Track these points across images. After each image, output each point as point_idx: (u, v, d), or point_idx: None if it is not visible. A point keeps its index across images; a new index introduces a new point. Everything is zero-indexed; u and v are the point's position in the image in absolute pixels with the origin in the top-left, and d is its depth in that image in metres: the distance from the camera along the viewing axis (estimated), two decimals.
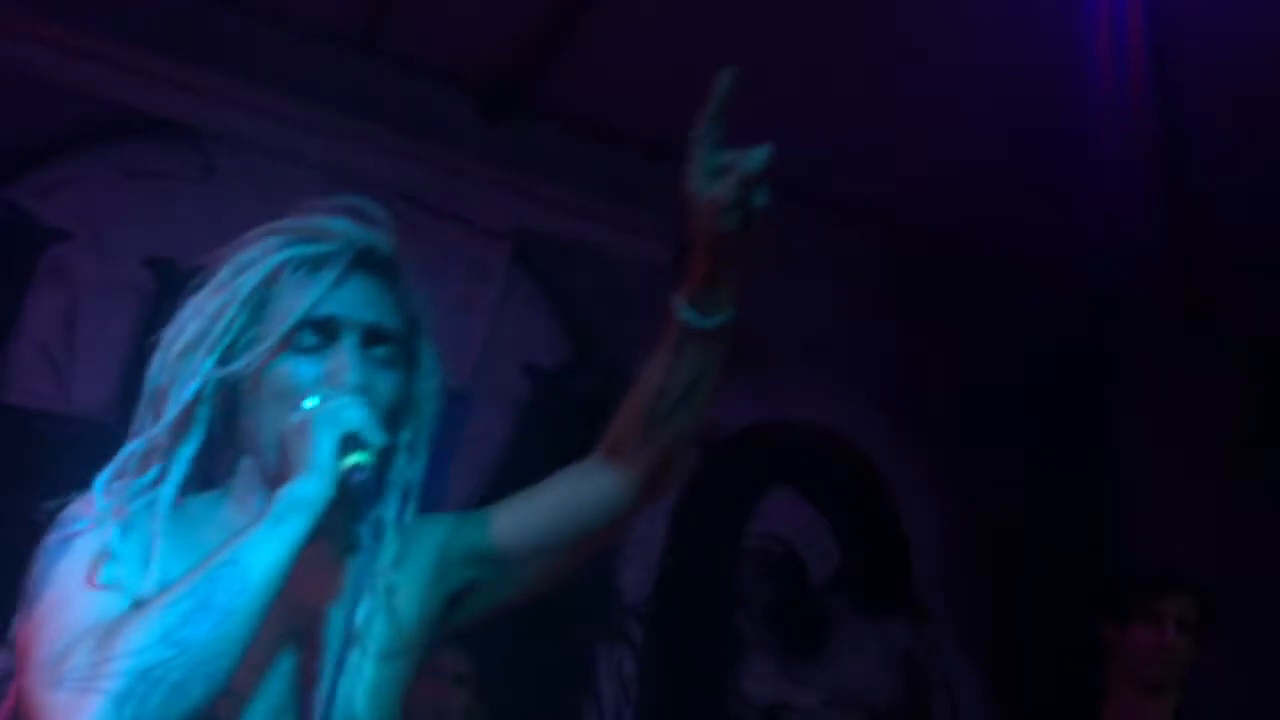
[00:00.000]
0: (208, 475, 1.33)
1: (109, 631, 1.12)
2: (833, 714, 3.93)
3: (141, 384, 1.37)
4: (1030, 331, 4.28)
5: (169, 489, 1.27)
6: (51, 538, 1.25)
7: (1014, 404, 4.28)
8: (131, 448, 1.31)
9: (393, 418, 1.34)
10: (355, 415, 1.25)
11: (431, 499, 3.96)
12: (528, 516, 1.40)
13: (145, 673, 1.09)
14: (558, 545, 1.39)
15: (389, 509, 1.35)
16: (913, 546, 4.21)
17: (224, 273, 1.34)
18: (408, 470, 1.38)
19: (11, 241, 3.40)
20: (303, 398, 1.26)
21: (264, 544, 1.16)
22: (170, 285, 3.54)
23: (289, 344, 1.30)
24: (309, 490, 1.19)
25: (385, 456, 1.31)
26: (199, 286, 1.36)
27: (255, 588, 1.13)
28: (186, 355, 1.32)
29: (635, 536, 3.90)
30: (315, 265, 1.34)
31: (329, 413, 1.24)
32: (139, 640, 1.10)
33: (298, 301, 1.30)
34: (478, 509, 1.44)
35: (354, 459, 1.21)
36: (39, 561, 1.23)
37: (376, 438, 1.25)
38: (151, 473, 1.28)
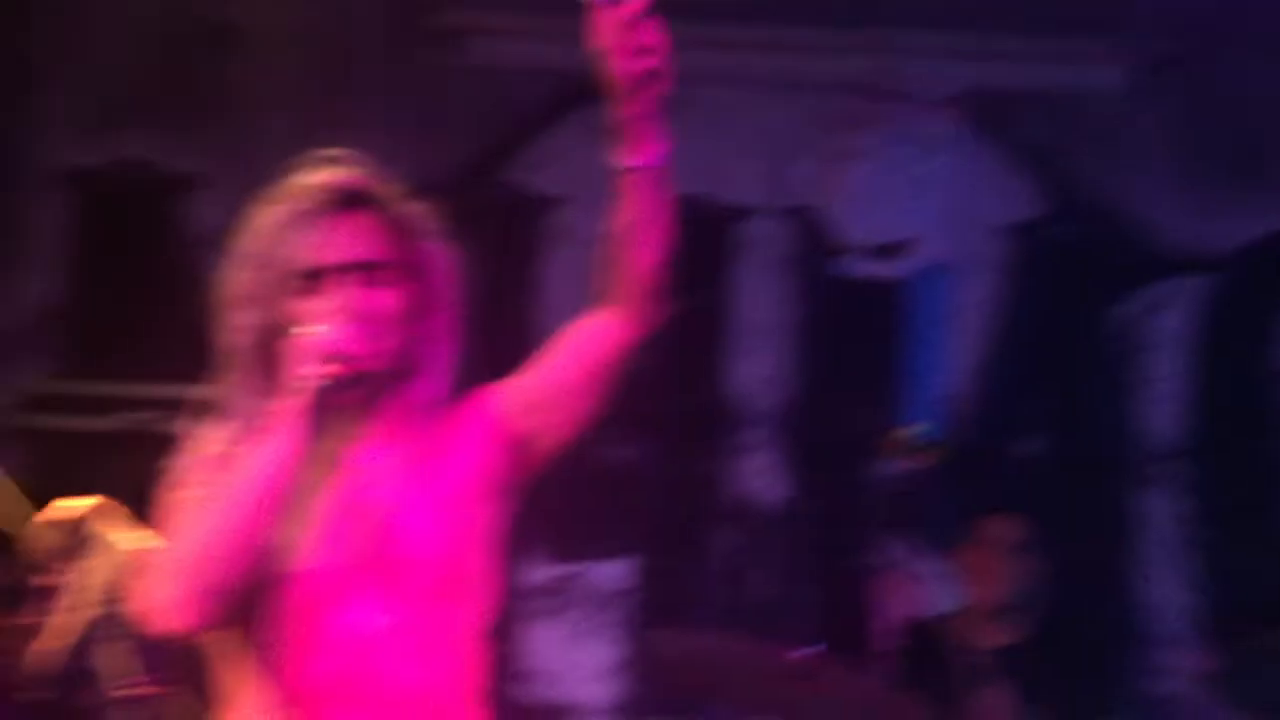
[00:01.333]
0: None
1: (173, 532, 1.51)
2: None
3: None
4: None
5: (236, 419, 1.57)
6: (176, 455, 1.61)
7: None
8: (215, 392, 1.60)
9: (416, 317, 1.60)
10: (325, 333, 1.52)
11: (932, 373, 4.00)
12: (550, 366, 1.68)
13: (188, 557, 1.47)
14: (576, 384, 1.67)
15: (431, 387, 1.61)
16: None
17: (241, 242, 1.61)
18: (442, 352, 1.63)
19: (521, 218, 3.83)
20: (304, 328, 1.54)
21: (262, 452, 1.50)
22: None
23: (297, 292, 1.56)
24: (292, 404, 1.50)
25: (417, 345, 1.60)
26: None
27: (258, 485, 1.48)
28: (225, 313, 1.60)
29: (1158, 375, 3.75)
30: (302, 220, 1.57)
31: (307, 337, 1.52)
32: (184, 535, 1.49)
33: (293, 257, 1.56)
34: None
35: (326, 368, 1.50)
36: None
37: (353, 347, 1.51)
38: (241, 409, 1.57)
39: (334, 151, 1.62)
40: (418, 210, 1.64)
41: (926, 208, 3.80)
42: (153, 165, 3.73)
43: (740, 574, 3.71)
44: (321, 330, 1.51)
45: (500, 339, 4.19)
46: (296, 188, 1.60)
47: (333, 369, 1.48)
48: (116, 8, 3.70)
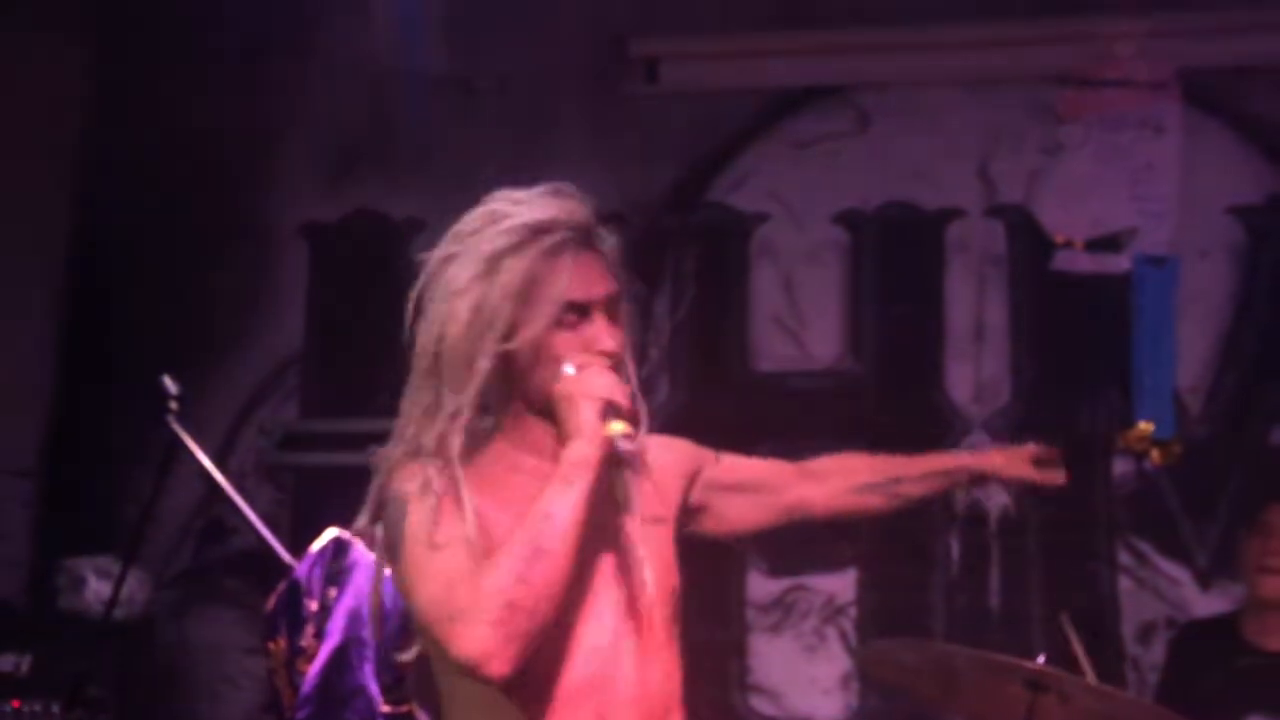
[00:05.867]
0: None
1: (477, 575, 1.51)
2: None
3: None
4: None
5: (456, 445, 1.58)
6: (391, 492, 1.60)
7: None
8: (423, 410, 1.59)
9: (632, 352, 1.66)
10: (603, 383, 1.57)
11: (1165, 367, 3.80)
12: (758, 475, 1.83)
13: (511, 604, 1.49)
14: (758, 508, 1.83)
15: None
16: None
17: (481, 264, 1.58)
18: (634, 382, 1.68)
19: (724, 236, 3.89)
20: (565, 364, 1.59)
21: (566, 499, 1.53)
22: (860, 232, 3.84)
23: (553, 322, 1.59)
24: (584, 453, 1.55)
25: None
26: (447, 260, 1.63)
27: (567, 533, 1.52)
28: (474, 336, 1.58)
29: None
30: (556, 252, 1.59)
31: (584, 383, 1.57)
32: (501, 582, 1.50)
33: (555, 288, 1.58)
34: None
35: (617, 427, 1.56)
36: (389, 512, 1.59)
37: (624, 399, 1.57)
38: (451, 433, 1.58)
39: (559, 184, 1.63)
40: (619, 244, 1.67)
41: (1146, 195, 3.65)
42: (379, 214, 3.97)
43: (969, 582, 3.65)
44: (596, 378, 1.56)
45: (708, 354, 4.24)
46: (543, 222, 1.59)
47: (629, 430, 1.55)
48: (339, 75, 3.95)
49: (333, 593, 2.41)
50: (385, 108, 3.91)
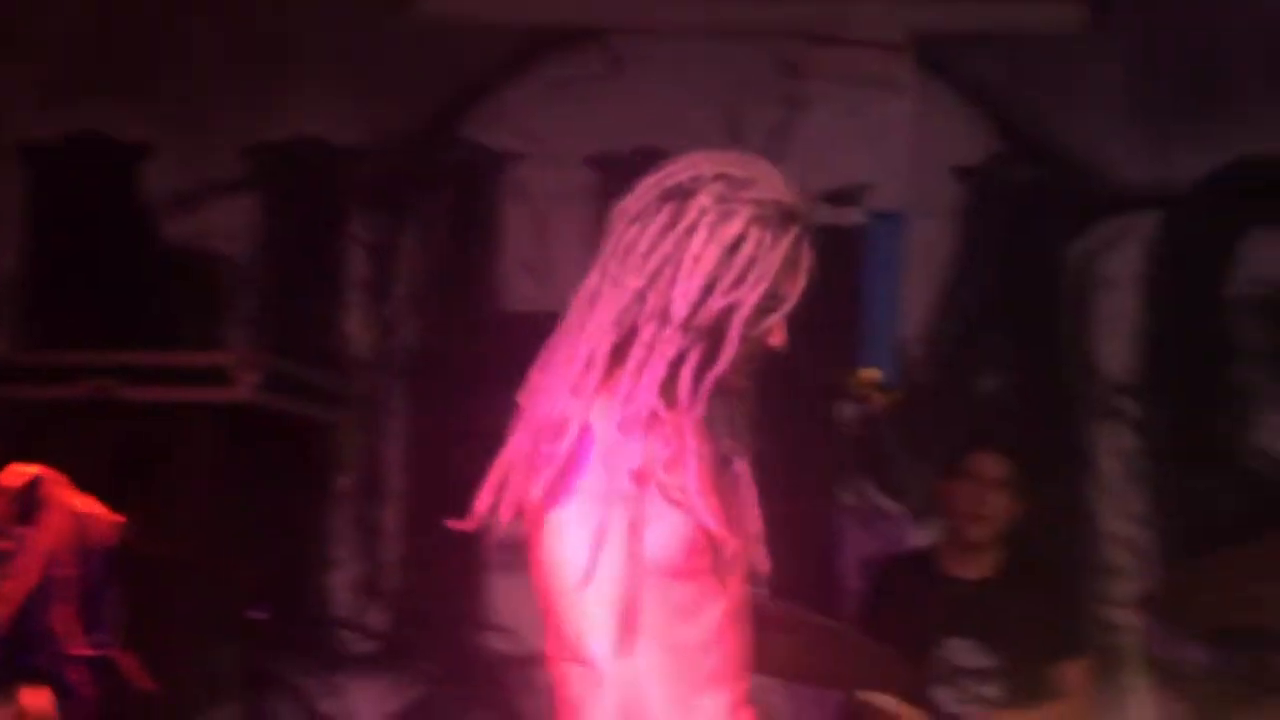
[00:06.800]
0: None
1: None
2: None
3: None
4: None
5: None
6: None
7: None
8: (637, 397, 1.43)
9: None
10: None
11: (889, 318, 4.00)
12: None
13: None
14: None
15: None
16: None
17: (709, 214, 1.47)
18: None
19: (476, 174, 3.85)
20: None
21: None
22: (610, 176, 3.86)
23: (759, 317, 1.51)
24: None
25: None
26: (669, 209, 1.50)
27: None
28: (715, 293, 1.47)
29: (1107, 312, 3.79)
30: (777, 236, 1.50)
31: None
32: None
33: (765, 272, 1.49)
34: None
35: None
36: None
37: None
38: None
39: (764, 160, 1.53)
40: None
41: (879, 152, 3.82)
42: (104, 135, 3.74)
43: None
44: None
45: (458, 294, 4.21)
46: (781, 205, 1.50)
47: None
48: None
49: (25, 532, 2.29)
50: (112, 26, 3.68)
